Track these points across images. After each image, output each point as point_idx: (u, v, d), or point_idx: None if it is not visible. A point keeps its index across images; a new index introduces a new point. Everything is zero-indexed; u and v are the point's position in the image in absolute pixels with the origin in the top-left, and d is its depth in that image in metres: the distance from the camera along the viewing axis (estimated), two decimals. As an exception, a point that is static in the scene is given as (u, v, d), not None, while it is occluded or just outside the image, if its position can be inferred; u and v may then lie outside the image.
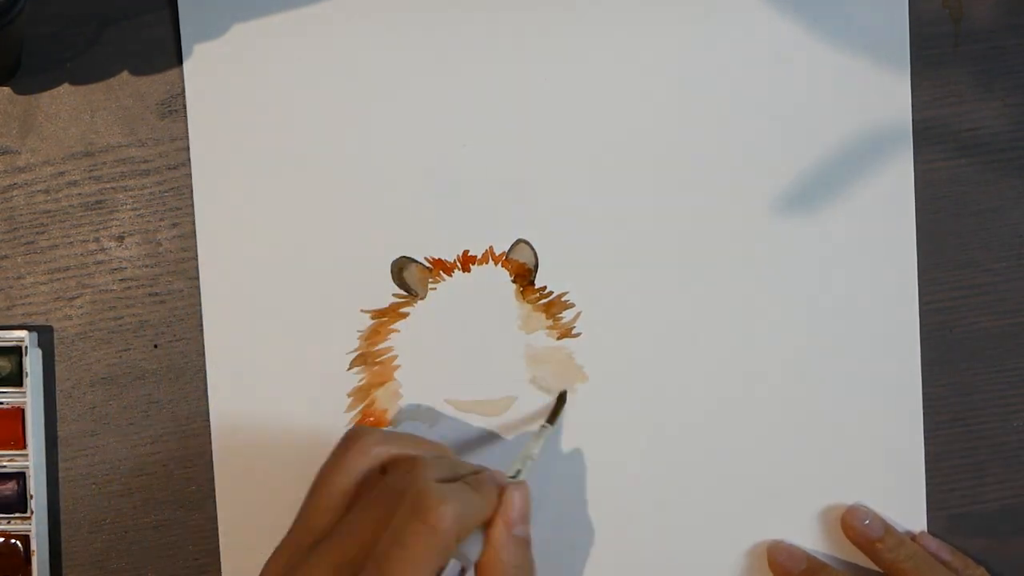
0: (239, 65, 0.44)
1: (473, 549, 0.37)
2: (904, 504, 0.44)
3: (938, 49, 0.45)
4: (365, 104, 0.44)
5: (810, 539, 0.45)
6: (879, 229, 0.44)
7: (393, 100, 0.44)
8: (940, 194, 0.45)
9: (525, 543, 0.38)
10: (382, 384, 0.44)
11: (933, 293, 0.45)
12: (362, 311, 0.44)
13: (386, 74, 0.44)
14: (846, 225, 0.44)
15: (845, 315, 0.44)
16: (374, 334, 0.44)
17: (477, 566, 0.37)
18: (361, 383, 0.44)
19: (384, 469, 0.38)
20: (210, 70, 0.44)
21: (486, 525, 0.38)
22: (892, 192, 0.44)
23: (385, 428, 0.43)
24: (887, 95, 0.44)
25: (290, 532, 0.38)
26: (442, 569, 0.36)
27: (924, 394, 0.45)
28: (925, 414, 0.45)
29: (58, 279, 0.45)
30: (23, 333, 0.43)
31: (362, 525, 0.36)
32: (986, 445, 0.45)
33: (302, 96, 0.44)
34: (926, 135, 0.45)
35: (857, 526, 0.44)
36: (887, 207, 0.44)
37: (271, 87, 0.44)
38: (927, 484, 0.45)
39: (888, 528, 0.43)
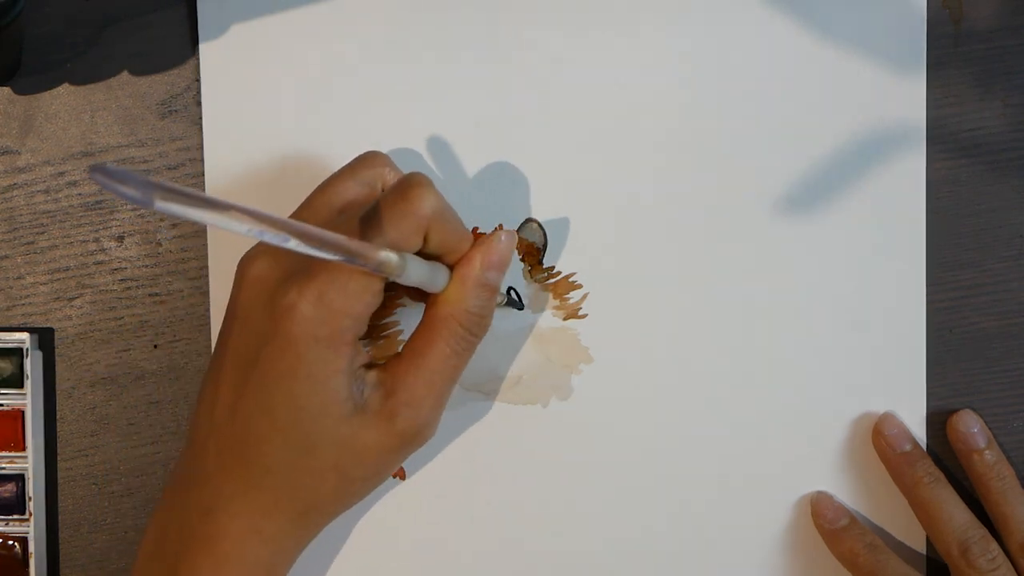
0: (252, 58, 0.44)
1: (439, 279, 0.37)
2: (905, 504, 0.44)
3: (938, 49, 0.45)
4: (376, 85, 0.44)
5: (811, 536, 0.45)
6: (890, 229, 0.44)
7: (404, 83, 0.44)
8: (940, 194, 0.45)
9: (491, 291, 0.38)
10: (386, 359, 0.44)
11: (933, 293, 0.45)
12: None
13: (397, 59, 0.44)
14: (855, 223, 0.44)
15: (852, 308, 0.44)
16: (382, 309, 0.44)
17: (438, 298, 0.37)
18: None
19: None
20: (223, 66, 0.44)
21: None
22: (904, 193, 0.44)
23: None
24: (901, 96, 0.44)
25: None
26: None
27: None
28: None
29: (58, 279, 0.45)
30: (24, 335, 0.43)
31: (348, 219, 0.37)
32: (986, 445, 0.45)
33: (312, 85, 0.44)
34: (927, 135, 0.45)
35: (962, 430, 0.44)
36: (899, 207, 0.44)
37: (283, 78, 0.44)
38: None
39: (991, 442, 0.44)
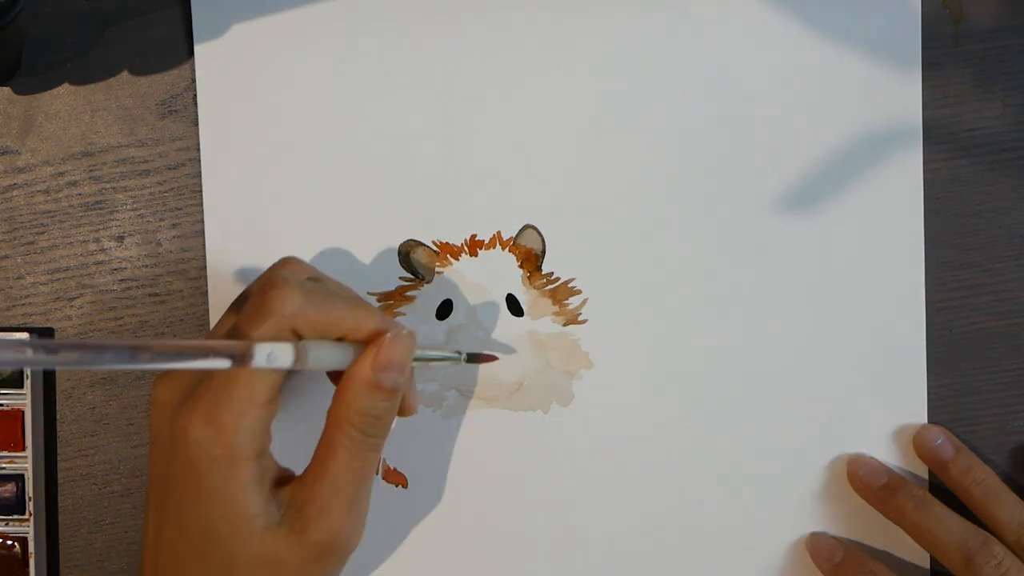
0: (248, 59, 0.44)
1: (332, 356, 0.36)
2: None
3: (938, 49, 0.45)
4: (374, 91, 0.44)
5: (810, 531, 0.45)
6: (888, 228, 0.44)
7: (402, 87, 0.44)
8: (940, 194, 0.45)
9: (389, 392, 0.36)
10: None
11: (933, 293, 0.45)
12: (368, 294, 0.44)
13: (395, 62, 0.44)
14: (855, 223, 0.44)
15: (851, 312, 0.44)
16: None
17: (334, 396, 0.37)
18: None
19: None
20: (219, 67, 0.44)
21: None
22: (901, 192, 0.44)
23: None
24: (897, 95, 0.44)
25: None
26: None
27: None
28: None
29: (58, 279, 0.45)
30: (24, 335, 0.43)
31: (225, 319, 0.38)
32: (986, 445, 0.45)
33: (310, 85, 0.44)
34: (926, 135, 0.45)
35: (928, 446, 0.44)
36: (897, 207, 0.44)
37: (279, 78, 0.44)
38: (928, 484, 0.45)
39: (960, 449, 0.44)
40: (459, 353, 0.43)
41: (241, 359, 0.33)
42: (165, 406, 0.36)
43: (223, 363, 0.32)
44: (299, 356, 0.34)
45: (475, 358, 0.44)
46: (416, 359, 0.39)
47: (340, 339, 0.37)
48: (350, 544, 0.37)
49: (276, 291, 0.35)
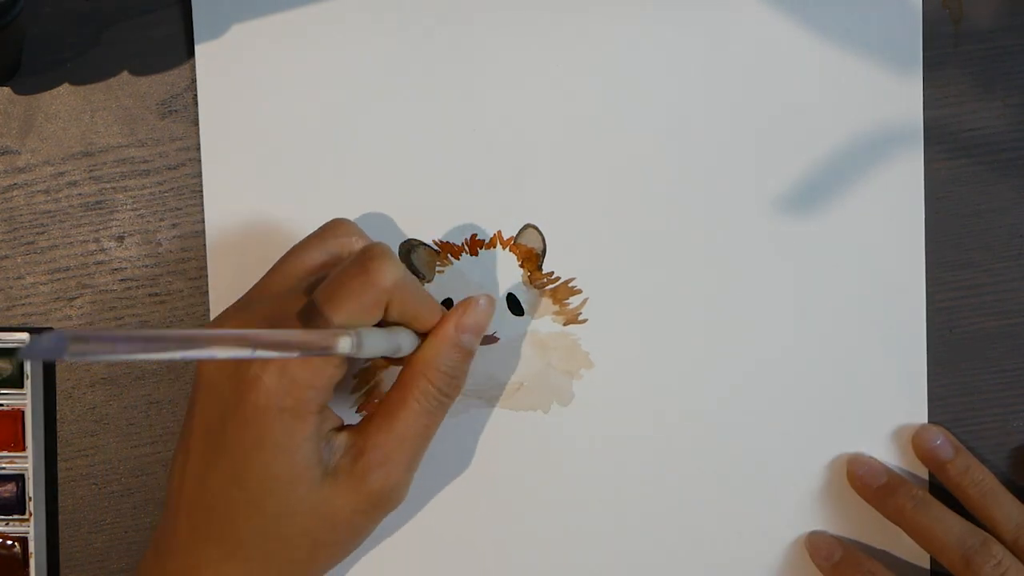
0: (247, 60, 0.44)
1: (404, 346, 0.37)
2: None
3: (938, 49, 0.45)
4: (374, 91, 0.44)
5: (810, 530, 0.45)
6: (888, 228, 0.44)
7: (402, 87, 0.44)
8: (940, 194, 0.45)
9: (467, 354, 0.38)
10: (387, 367, 0.44)
11: (933, 293, 0.45)
12: None
13: (395, 62, 0.44)
14: (855, 223, 0.44)
15: (851, 312, 0.44)
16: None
17: (411, 357, 0.38)
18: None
19: None
20: (219, 67, 0.44)
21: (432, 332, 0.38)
22: (902, 192, 0.44)
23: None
24: (897, 95, 0.44)
25: (249, 291, 0.39)
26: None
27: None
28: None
29: (58, 279, 0.45)
30: (24, 335, 0.43)
31: (308, 291, 0.37)
32: (986, 445, 0.45)
33: (310, 85, 0.44)
34: (927, 135, 0.45)
35: (927, 446, 0.44)
36: (897, 207, 0.44)
37: (279, 78, 0.44)
38: (929, 484, 0.45)
39: (959, 450, 0.43)
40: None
41: (328, 349, 0.33)
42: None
43: (340, 346, 0.33)
44: (357, 346, 0.34)
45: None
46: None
47: (405, 325, 0.38)
48: (402, 494, 0.38)
49: (378, 262, 0.36)
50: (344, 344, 0.33)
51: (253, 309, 0.38)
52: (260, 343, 0.30)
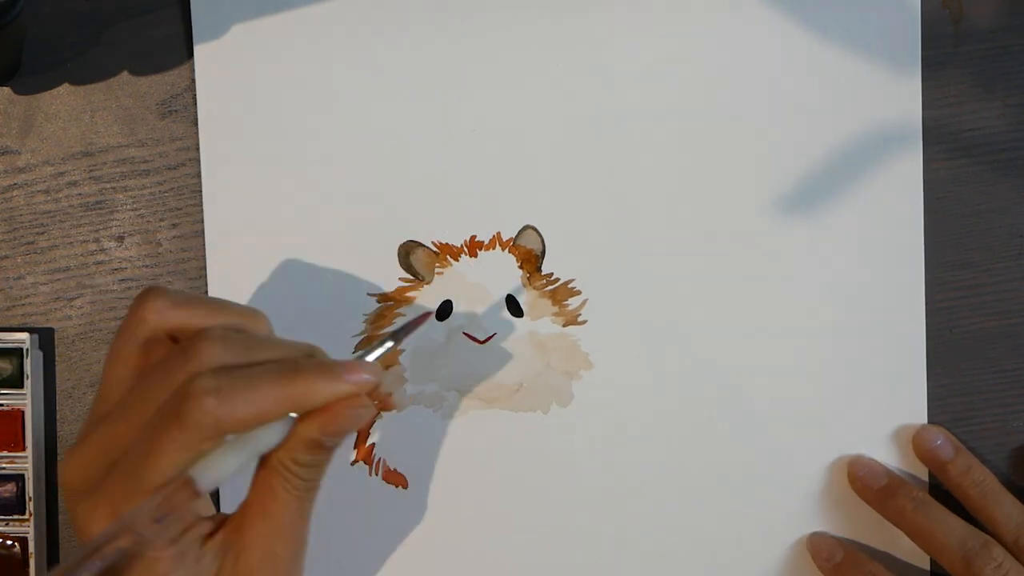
0: (247, 60, 0.44)
1: (271, 437, 0.33)
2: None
3: (938, 49, 0.45)
4: (374, 91, 0.44)
5: (811, 531, 0.45)
6: (888, 228, 0.44)
7: (401, 88, 0.44)
8: (940, 194, 0.45)
9: (324, 451, 0.33)
10: (387, 368, 0.44)
11: (933, 293, 0.45)
12: (368, 295, 0.44)
13: (394, 62, 0.44)
14: (854, 223, 0.44)
15: (851, 312, 0.44)
16: (380, 318, 0.44)
17: (269, 455, 0.33)
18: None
19: (174, 337, 0.35)
20: (219, 67, 0.44)
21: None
22: (901, 192, 0.44)
23: (183, 291, 0.36)
24: (897, 95, 0.44)
25: (93, 403, 0.35)
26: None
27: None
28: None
29: (58, 279, 0.45)
30: (24, 335, 0.43)
31: (134, 408, 0.33)
32: (986, 445, 0.45)
33: (310, 86, 0.44)
34: (926, 135, 0.45)
35: (928, 446, 0.44)
36: (897, 207, 0.44)
37: (278, 78, 0.44)
38: (929, 484, 0.45)
39: (960, 450, 0.43)
40: (390, 341, 0.37)
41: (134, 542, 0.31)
42: (72, 491, 0.34)
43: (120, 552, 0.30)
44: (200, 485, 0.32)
45: (402, 331, 0.38)
46: (371, 378, 0.35)
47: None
48: None
49: (194, 407, 0.31)
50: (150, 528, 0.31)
51: (101, 433, 0.34)
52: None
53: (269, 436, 0.33)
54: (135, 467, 0.32)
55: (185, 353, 0.33)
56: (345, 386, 0.33)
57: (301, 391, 0.33)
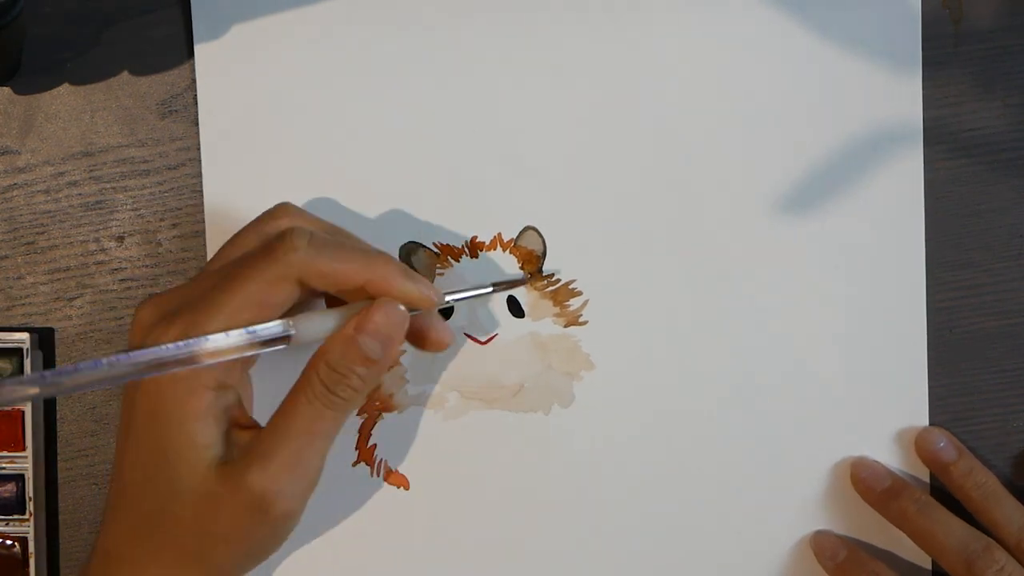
0: (247, 60, 0.44)
1: (325, 324, 0.36)
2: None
3: (938, 49, 0.45)
4: (374, 92, 0.44)
5: (810, 533, 0.45)
6: (889, 229, 0.44)
7: (402, 88, 0.44)
8: (940, 194, 0.45)
9: (364, 358, 0.35)
10: (388, 369, 0.44)
11: (933, 293, 0.45)
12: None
13: (394, 63, 0.44)
14: (854, 223, 0.44)
15: (851, 312, 0.44)
16: None
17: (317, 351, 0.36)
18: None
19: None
20: (219, 67, 0.44)
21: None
22: (902, 192, 0.44)
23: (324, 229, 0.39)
24: (897, 95, 0.44)
25: (192, 279, 0.39)
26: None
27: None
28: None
29: (58, 279, 0.45)
30: (24, 335, 0.43)
31: (223, 255, 0.37)
32: (986, 445, 0.45)
33: (310, 86, 0.44)
34: (926, 135, 0.45)
35: (930, 448, 0.44)
36: (897, 207, 0.44)
37: (278, 78, 0.44)
38: (930, 485, 0.45)
39: (962, 452, 0.43)
40: (486, 286, 0.42)
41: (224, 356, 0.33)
42: (144, 325, 0.36)
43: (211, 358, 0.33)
44: (290, 331, 0.34)
45: (499, 286, 0.43)
46: (449, 301, 0.40)
47: (347, 291, 0.36)
48: (286, 505, 0.35)
49: (284, 240, 0.35)
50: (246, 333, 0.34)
51: (192, 290, 0.37)
52: (181, 361, 0.32)
53: (324, 322, 0.35)
54: (213, 296, 0.34)
55: (279, 216, 0.37)
56: (414, 287, 0.36)
57: (379, 273, 0.36)
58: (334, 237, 0.37)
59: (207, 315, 0.34)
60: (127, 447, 0.36)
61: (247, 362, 0.37)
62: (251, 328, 0.34)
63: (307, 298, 0.37)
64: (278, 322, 0.35)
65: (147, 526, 0.36)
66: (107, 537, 0.37)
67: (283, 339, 0.35)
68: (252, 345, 0.35)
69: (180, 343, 0.34)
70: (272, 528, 0.35)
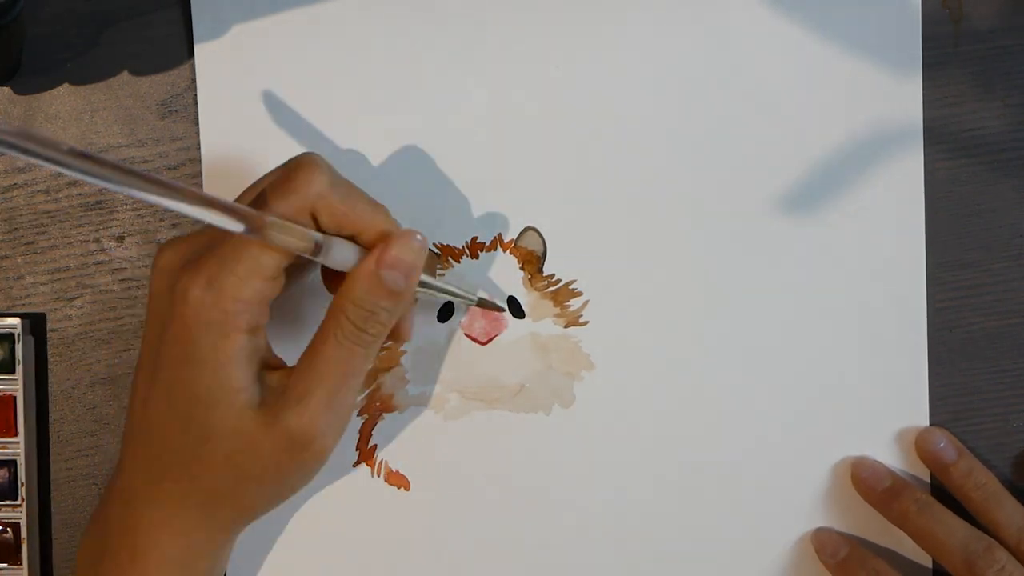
0: (247, 60, 0.44)
1: (347, 253, 0.36)
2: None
3: (938, 49, 0.45)
4: (374, 93, 0.44)
5: (809, 536, 0.45)
6: (889, 229, 0.44)
7: (402, 88, 0.44)
8: (940, 194, 0.45)
9: (389, 293, 0.36)
10: (388, 369, 0.44)
11: (933, 293, 0.45)
12: None
13: (395, 62, 0.44)
14: (855, 224, 0.44)
15: (852, 312, 0.44)
16: None
17: (338, 291, 0.37)
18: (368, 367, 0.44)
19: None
20: (219, 67, 0.44)
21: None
22: (901, 192, 0.44)
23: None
24: (897, 95, 0.44)
25: None
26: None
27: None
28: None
29: (58, 279, 0.45)
30: (15, 320, 0.43)
31: (243, 197, 0.38)
32: (986, 445, 0.45)
33: (310, 86, 0.44)
34: (926, 135, 0.45)
35: (931, 448, 0.44)
36: (897, 207, 0.44)
37: (278, 78, 0.44)
38: (930, 484, 0.45)
39: (962, 452, 0.43)
40: (472, 295, 0.43)
41: (256, 229, 0.33)
42: (168, 270, 0.36)
43: (236, 225, 0.33)
44: (314, 245, 0.35)
45: (484, 303, 0.44)
46: (430, 287, 0.40)
47: (351, 238, 0.36)
48: (323, 442, 0.36)
49: (303, 170, 0.35)
50: (275, 228, 0.34)
51: (213, 233, 0.37)
52: (185, 194, 0.31)
53: (343, 252, 0.36)
54: (238, 237, 0.34)
55: (306, 155, 0.37)
56: (415, 240, 0.36)
57: (380, 217, 0.36)
58: (348, 182, 0.37)
59: (234, 257, 0.35)
60: (152, 394, 0.36)
61: (271, 297, 0.36)
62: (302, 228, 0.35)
63: (306, 263, 0.37)
64: (316, 233, 0.35)
65: (176, 468, 0.36)
66: (126, 479, 0.37)
67: (316, 248, 0.35)
68: (306, 247, 0.35)
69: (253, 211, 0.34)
70: (308, 467, 0.37)
